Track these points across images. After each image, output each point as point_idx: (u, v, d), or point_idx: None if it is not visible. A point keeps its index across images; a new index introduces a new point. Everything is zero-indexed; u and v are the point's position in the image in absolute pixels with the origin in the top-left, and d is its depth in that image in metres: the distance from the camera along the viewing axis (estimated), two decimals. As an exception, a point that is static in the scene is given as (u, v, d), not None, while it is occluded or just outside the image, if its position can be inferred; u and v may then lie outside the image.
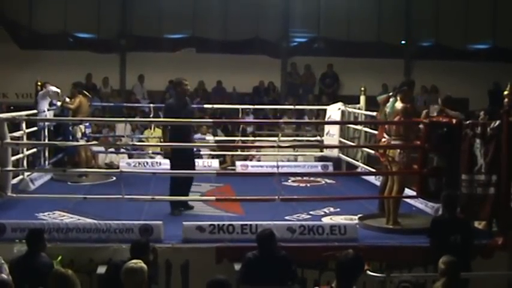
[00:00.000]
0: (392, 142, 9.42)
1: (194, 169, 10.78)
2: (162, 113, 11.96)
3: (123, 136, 16.27)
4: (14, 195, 9.85)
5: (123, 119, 15.25)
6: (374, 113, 12.73)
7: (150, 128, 16.53)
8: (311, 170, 14.75)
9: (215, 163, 14.88)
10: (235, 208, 10.40)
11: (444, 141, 9.16)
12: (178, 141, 10.06)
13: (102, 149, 15.39)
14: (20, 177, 11.61)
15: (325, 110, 15.61)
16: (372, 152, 12.30)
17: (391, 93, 10.05)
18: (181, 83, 10.55)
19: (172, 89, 20.27)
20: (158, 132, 16.65)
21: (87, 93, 13.94)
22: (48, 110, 13.33)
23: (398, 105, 9.24)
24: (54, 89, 13.32)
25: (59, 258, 7.75)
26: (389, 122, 9.56)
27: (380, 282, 7.31)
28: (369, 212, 10.03)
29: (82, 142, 13.11)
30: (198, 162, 14.10)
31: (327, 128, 14.99)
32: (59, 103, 13.66)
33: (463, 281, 6.69)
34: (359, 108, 14.52)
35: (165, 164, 14.22)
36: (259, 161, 15.83)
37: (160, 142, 14.57)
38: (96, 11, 21.90)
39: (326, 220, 9.71)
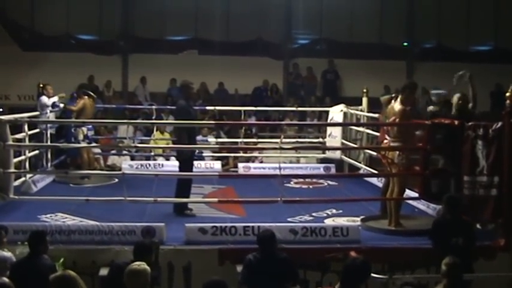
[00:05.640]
0: (391, 144, 9.44)
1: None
2: (174, 114, 11.89)
3: (125, 138, 16.28)
4: (16, 197, 9.85)
5: (126, 121, 15.26)
6: (376, 115, 12.75)
7: (159, 131, 16.53)
8: (313, 171, 14.73)
9: (217, 165, 14.89)
10: (238, 210, 10.40)
11: (449, 142, 9.17)
12: (189, 143, 10.14)
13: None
14: (22, 179, 11.59)
15: (327, 112, 15.62)
16: (374, 153, 12.30)
17: (393, 95, 10.06)
18: (188, 86, 10.66)
19: (175, 89, 20.47)
20: (167, 135, 16.71)
21: (93, 95, 13.92)
22: (51, 111, 13.35)
23: (397, 106, 9.23)
24: (46, 101, 13.34)
25: (61, 260, 7.76)
26: (391, 124, 9.56)
27: (382, 283, 7.30)
28: (371, 214, 10.03)
29: (84, 144, 13.09)
30: (201, 164, 14.14)
31: (329, 129, 14.99)
32: (61, 105, 13.68)
33: (465, 282, 6.68)
34: (361, 110, 14.51)
35: (168, 165, 14.31)
36: (261, 162, 15.83)
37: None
38: (98, 12, 21.93)
39: (328, 222, 9.70)
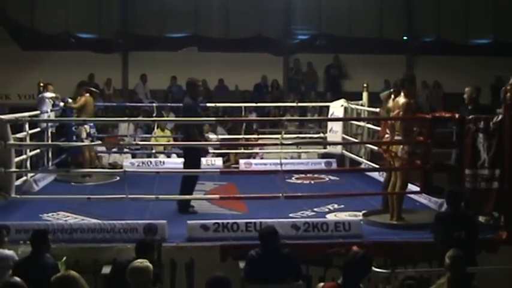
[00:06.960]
0: (395, 138, 9.41)
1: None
2: (179, 112, 11.96)
3: (126, 136, 16.27)
4: (18, 196, 9.83)
5: (127, 118, 15.26)
6: (377, 109, 12.74)
7: (160, 128, 16.51)
8: (314, 167, 14.75)
9: (219, 161, 14.88)
10: (239, 206, 10.40)
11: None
12: (195, 140, 10.13)
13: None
14: (24, 178, 11.57)
15: (328, 107, 15.61)
16: (375, 148, 12.29)
17: (392, 90, 10.03)
18: (195, 84, 10.65)
19: (175, 86, 20.48)
20: (168, 132, 16.71)
21: (95, 91, 13.85)
22: (51, 110, 13.33)
23: (401, 100, 9.21)
24: (49, 94, 13.31)
25: (64, 259, 7.75)
26: (392, 118, 9.55)
27: (385, 278, 7.30)
28: (373, 208, 10.03)
29: (87, 142, 13.08)
30: (202, 161, 14.13)
31: (330, 124, 14.98)
32: (61, 104, 13.66)
33: (468, 275, 6.68)
34: (362, 105, 14.51)
35: (169, 163, 14.31)
36: (262, 158, 15.82)
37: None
38: (98, 11, 21.90)
39: (330, 217, 9.70)
